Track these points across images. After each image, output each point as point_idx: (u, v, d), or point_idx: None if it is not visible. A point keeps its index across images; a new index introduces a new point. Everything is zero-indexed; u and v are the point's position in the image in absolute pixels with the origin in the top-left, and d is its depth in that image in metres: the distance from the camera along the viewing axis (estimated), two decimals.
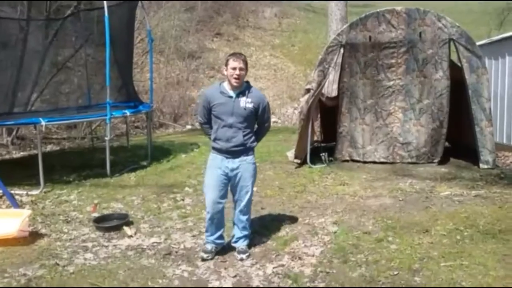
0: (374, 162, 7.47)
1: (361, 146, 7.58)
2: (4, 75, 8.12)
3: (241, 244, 4.17)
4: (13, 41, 8.47)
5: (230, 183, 4.12)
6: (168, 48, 17.07)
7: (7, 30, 8.39)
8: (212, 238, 4.16)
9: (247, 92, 4.02)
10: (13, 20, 8.70)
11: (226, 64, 3.98)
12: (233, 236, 4.27)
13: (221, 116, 4.00)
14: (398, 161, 7.42)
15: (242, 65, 3.92)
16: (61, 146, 10.69)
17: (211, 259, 4.07)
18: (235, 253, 4.12)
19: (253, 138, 4.14)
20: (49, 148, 10.32)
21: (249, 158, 4.13)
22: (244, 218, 4.18)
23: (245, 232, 4.21)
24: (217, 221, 4.15)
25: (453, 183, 6.18)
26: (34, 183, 6.43)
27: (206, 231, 4.19)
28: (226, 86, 4.04)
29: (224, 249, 4.25)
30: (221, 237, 4.22)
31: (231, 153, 4.04)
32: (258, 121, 4.17)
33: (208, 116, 4.13)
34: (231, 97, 3.99)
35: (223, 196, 4.12)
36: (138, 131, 13.41)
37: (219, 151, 4.07)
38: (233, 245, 4.22)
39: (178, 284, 3.68)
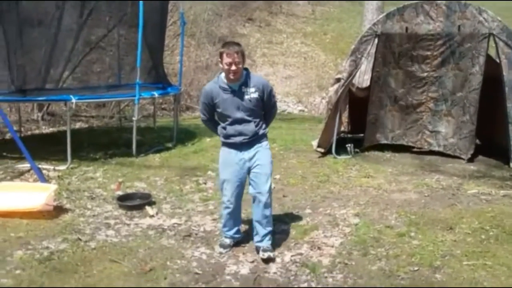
0: (401, 150, 7.42)
1: (390, 130, 7.59)
2: (38, 52, 8.25)
3: (267, 243, 3.94)
4: (49, 19, 8.60)
5: (248, 175, 3.94)
6: (200, 31, 17.05)
7: (43, 8, 8.52)
8: (230, 233, 4.07)
9: (248, 81, 3.79)
10: None
11: (221, 58, 3.71)
12: (255, 234, 4.01)
13: (227, 112, 3.80)
14: (425, 147, 7.41)
15: (237, 58, 3.62)
16: (89, 124, 10.86)
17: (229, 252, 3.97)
18: (260, 252, 3.87)
19: (264, 125, 3.96)
20: (78, 125, 10.50)
21: (264, 144, 3.97)
22: (267, 212, 3.94)
23: (269, 228, 3.97)
24: (236, 216, 4.06)
25: (482, 181, 6.00)
26: (62, 158, 6.55)
27: (224, 226, 4.08)
28: (225, 79, 3.79)
29: (244, 235, 4.25)
30: (239, 231, 4.14)
31: (245, 145, 3.87)
32: (265, 107, 3.94)
33: (211, 113, 3.96)
34: (233, 91, 3.77)
35: (242, 190, 4.01)
36: (165, 113, 13.49)
37: (233, 146, 3.89)
38: (258, 244, 3.96)
39: (196, 266, 3.71)
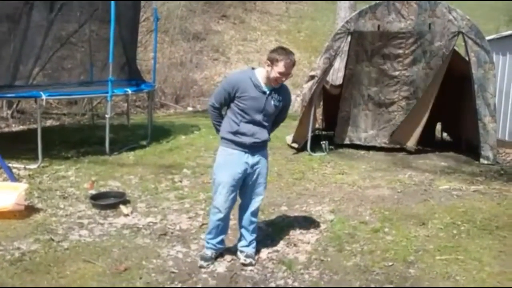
0: (374, 148, 7.56)
1: (363, 131, 7.69)
2: (7, 47, 8.04)
3: (251, 250, 3.79)
4: (18, 14, 8.38)
5: (245, 181, 3.66)
6: (173, 28, 16.89)
7: (12, 3, 8.29)
8: (214, 241, 3.75)
9: (278, 88, 3.56)
10: None
11: (273, 62, 3.40)
12: (240, 239, 3.86)
13: (249, 111, 3.51)
14: (397, 146, 7.55)
15: (291, 70, 3.44)
16: (61, 121, 10.65)
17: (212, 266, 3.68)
18: (241, 257, 3.75)
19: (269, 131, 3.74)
20: (49, 123, 10.28)
21: (266, 152, 3.75)
22: (255, 219, 3.80)
23: (255, 235, 3.83)
24: (225, 224, 3.76)
25: (453, 177, 6.16)
26: (32, 157, 6.39)
27: (209, 233, 3.74)
28: (260, 78, 3.50)
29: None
30: (222, 241, 3.82)
31: (252, 148, 3.59)
32: (277, 117, 3.75)
33: (226, 103, 3.59)
34: (264, 92, 3.50)
35: (236, 196, 3.71)
36: (139, 110, 13.33)
37: (239, 145, 3.56)
38: (242, 249, 3.80)
39: (172, 265, 3.68)
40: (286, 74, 3.44)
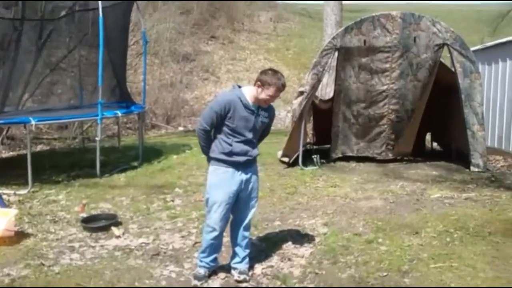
0: (366, 160, 7.61)
1: (355, 143, 7.77)
2: None
3: (244, 266, 3.76)
4: (7, 41, 8.41)
5: (238, 197, 3.66)
6: (163, 50, 17.01)
7: (1, 30, 8.33)
8: (208, 259, 3.71)
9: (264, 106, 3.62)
10: (7, 20, 8.62)
11: (264, 85, 3.45)
12: (233, 257, 3.81)
13: (239, 130, 3.52)
14: (390, 156, 7.64)
15: (280, 93, 3.52)
16: (51, 146, 10.60)
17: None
18: (235, 274, 3.71)
19: None
20: (39, 148, 10.24)
21: (256, 166, 3.80)
22: (248, 233, 3.79)
23: (248, 250, 3.80)
24: (219, 242, 3.73)
25: (444, 185, 6.18)
26: (22, 182, 6.35)
27: (203, 251, 3.71)
28: (248, 97, 3.52)
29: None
30: (216, 259, 3.78)
31: (245, 165, 3.62)
32: (263, 131, 3.79)
33: (216, 125, 3.56)
34: (253, 112, 3.54)
35: (230, 213, 3.70)
36: (130, 132, 13.33)
37: (233, 164, 3.57)
38: (235, 266, 3.77)
39: (165, 285, 3.63)
40: (276, 96, 3.50)
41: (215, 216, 3.59)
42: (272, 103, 3.71)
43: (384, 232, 4.50)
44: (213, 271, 3.78)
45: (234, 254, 3.82)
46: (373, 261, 3.87)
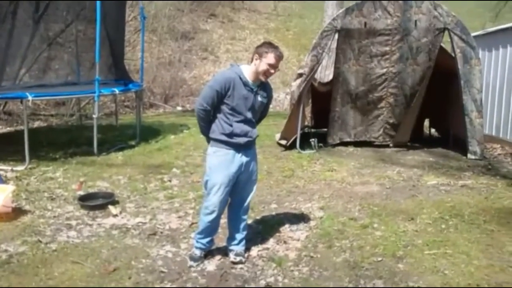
0: (363, 145, 7.61)
1: (352, 127, 7.73)
2: None
3: (241, 248, 3.78)
4: (2, 13, 8.27)
5: (237, 179, 3.64)
6: (161, 27, 16.80)
7: None
8: (204, 241, 3.72)
9: (263, 85, 3.59)
10: None
11: (262, 55, 3.42)
12: (230, 239, 3.83)
13: (239, 109, 3.48)
14: (388, 141, 7.65)
15: (279, 64, 3.47)
16: (48, 122, 10.55)
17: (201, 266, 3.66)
18: (232, 255, 3.73)
19: None
20: (36, 124, 10.19)
21: (255, 148, 3.79)
22: (245, 217, 3.81)
23: (245, 232, 3.82)
24: (216, 224, 3.74)
25: (441, 172, 6.21)
26: (20, 159, 6.34)
27: (200, 233, 3.70)
28: (247, 75, 3.49)
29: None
30: (212, 241, 3.82)
31: (246, 146, 3.60)
32: (262, 112, 3.78)
33: (216, 104, 3.50)
34: (252, 90, 3.51)
35: (228, 195, 3.69)
36: (128, 110, 13.25)
37: (234, 145, 3.54)
38: (231, 248, 3.79)
39: (162, 264, 3.66)
40: (275, 66, 3.45)
41: (214, 199, 3.57)
42: (270, 84, 3.72)
43: (379, 217, 4.53)
44: (209, 252, 3.82)
45: (231, 236, 3.83)
46: (368, 246, 3.91)
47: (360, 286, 3.31)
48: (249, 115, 3.54)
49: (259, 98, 3.57)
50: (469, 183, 5.66)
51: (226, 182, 3.56)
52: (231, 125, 3.50)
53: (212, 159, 3.60)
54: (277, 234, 4.24)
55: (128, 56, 14.08)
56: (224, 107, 3.50)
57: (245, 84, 3.47)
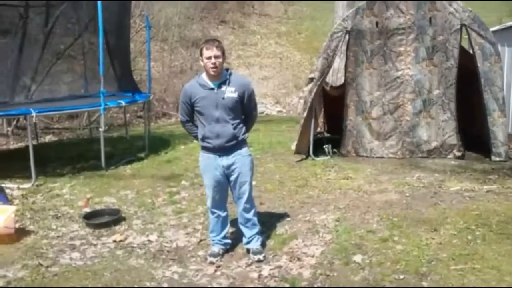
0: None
1: (369, 142, 7.12)
2: (4, 63, 7.89)
3: (255, 245, 3.92)
4: (13, 29, 8.24)
5: (228, 181, 3.84)
6: (172, 36, 16.75)
7: (6, 18, 8.15)
8: (219, 237, 3.96)
9: (228, 80, 3.67)
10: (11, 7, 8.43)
11: (201, 54, 3.61)
12: (243, 237, 4.00)
13: (205, 111, 3.65)
14: (407, 156, 6.96)
15: (217, 52, 3.55)
16: (60, 136, 10.48)
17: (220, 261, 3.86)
18: (250, 255, 3.86)
19: (243, 129, 3.80)
20: (47, 138, 10.12)
21: (244, 151, 3.81)
22: (250, 215, 3.91)
23: (256, 230, 3.95)
24: (223, 220, 3.96)
25: (464, 176, 5.86)
26: (27, 175, 6.20)
27: (212, 231, 3.97)
28: (205, 77, 3.68)
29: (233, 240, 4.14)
30: (226, 237, 4.04)
31: (224, 150, 3.72)
32: (245, 110, 3.80)
33: (190, 114, 3.80)
34: (212, 89, 3.64)
35: (225, 195, 3.94)
36: (140, 121, 13.13)
37: (211, 150, 3.73)
38: (246, 247, 3.97)
39: (167, 286, 3.44)
40: (214, 56, 3.53)
41: (209, 200, 3.90)
42: (242, 78, 3.95)
43: (400, 229, 4.22)
44: (224, 255, 3.95)
45: (243, 234, 3.98)
46: (388, 262, 3.61)
47: None
48: (216, 114, 3.63)
49: (225, 94, 3.62)
50: (494, 188, 5.30)
51: (213, 183, 3.78)
52: (203, 130, 3.72)
53: (200, 163, 3.89)
54: (290, 250, 3.99)
55: (139, 66, 14.03)
56: (197, 114, 3.74)
57: (203, 85, 3.65)
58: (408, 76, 6.91)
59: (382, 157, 7.03)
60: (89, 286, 3.44)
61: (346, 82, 7.22)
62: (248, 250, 3.94)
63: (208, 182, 3.82)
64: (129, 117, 11.95)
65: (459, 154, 6.85)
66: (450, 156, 6.86)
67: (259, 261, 3.77)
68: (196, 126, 3.83)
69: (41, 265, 3.83)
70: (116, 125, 11.97)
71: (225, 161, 3.73)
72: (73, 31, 9.29)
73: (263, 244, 4.00)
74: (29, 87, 8.57)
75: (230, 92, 3.64)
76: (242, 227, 3.96)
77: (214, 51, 3.54)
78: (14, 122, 10.15)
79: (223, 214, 3.95)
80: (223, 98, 3.62)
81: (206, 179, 3.83)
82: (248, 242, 3.94)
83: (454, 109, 6.83)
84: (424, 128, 6.95)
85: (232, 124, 3.68)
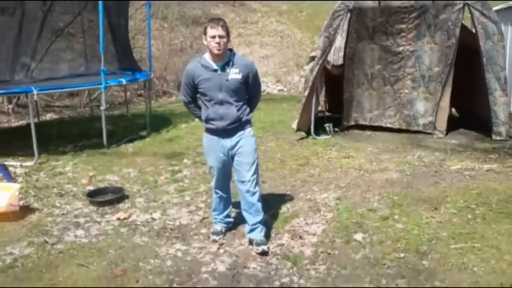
0: (381, 128, 7.27)
1: (368, 111, 7.38)
2: (3, 42, 7.83)
3: (259, 236, 3.71)
4: (12, 6, 8.15)
5: (234, 161, 3.74)
6: (172, 13, 16.55)
7: None
8: (221, 216, 4.00)
9: (232, 61, 3.57)
10: None
11: (205, 33, 3.50)
12: (246, 225, 3.83)
13: (209, 92, 3.57)
14: (404, 127, 7.21)
15: (221, 32, 3.44)
16: (61, 114, 10.46)
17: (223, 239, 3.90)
18: (253, 246, 3.66)
19: (247, 110, 3.74)
20: (48, 116, 10.11)
21: (247, 131, 3.74)
22: (254, 200, 3.72)
23: (259, 217, 3.74)
24: (225, 201, 4.00)
25: (464, 155, 5.89)
26: (29, 153, 6.21)
27: (214, 210, 4.02)
28: (208, 58, 3.58)
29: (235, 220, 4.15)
30: (229, 215, 4.07)
31: (228, 132, 3.65)
32: (249, 91, 3.71)
33: (193, 95, 3.73)
34: (215, 70, 3.54)
35: (229, 176, 3.93)
36: (141, 99, 13.10)
37: (214, 131, 3.68)
38: (249, 236, 3.78)
39: (171, 265, 3.49)
40: (219, 36, 3.45)
41: (213, 180, 3.91)
42: (245, 59, 3.76)
43: (400, 207, 4.26)
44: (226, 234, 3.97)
45: (246, 220, 3.84)
46: (389, 241, 3.67)
47: (381, 287, 3.08)
48: (220, 95, 3.57)
49: (229, 76, 3.55)
50: (495, 167, 5.34)
51: (216, 164, 3.78)
52: (206, 111, 3.67)
53: (204, 144, 3.86)
54: (292, 228, 4.04)
55: (139, 44, 13.91)
56: (200, 95, 3.69)
57: (206, 67, 3.56)
58: (409, 52, 7.01)
59: (381, 127, 7.28)
60: (94, 265, 3.49)
61: (346, 57, 7.24)
62: (250, 241, 3.74)
63: (212, 163, 3.80)
64: (130, 95, 11.88)
65: (443, 130, 7.10)
66: (440, 135, 7.05)
67: (263, 252, 3.58)
68: (199, 107, 3.77)
69: (47, 242, 3.88)
70: (117, 103, 11.93)
71: (228, 142, 3.67)
72: (72, 9, 9.21)
73: (266, 234, 3.81)
74: (28, 65, 8.52)
75: (234, 74, 3.55)
76: (244, 214, 3.80)
77: (219, 31, 3.45)
78: (15, 100, 10.13)
79: (226, 195, 3.97)
80: (227, 80, 3.54)
81: (210, 160, 3.81)
82: (251, 231, 3.76)
83: (449, 86, 6.95)
84: (422, 102, 7.11)
85: (236, 106, 3.61)
